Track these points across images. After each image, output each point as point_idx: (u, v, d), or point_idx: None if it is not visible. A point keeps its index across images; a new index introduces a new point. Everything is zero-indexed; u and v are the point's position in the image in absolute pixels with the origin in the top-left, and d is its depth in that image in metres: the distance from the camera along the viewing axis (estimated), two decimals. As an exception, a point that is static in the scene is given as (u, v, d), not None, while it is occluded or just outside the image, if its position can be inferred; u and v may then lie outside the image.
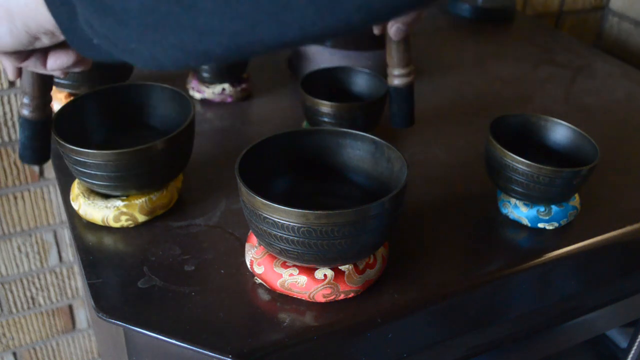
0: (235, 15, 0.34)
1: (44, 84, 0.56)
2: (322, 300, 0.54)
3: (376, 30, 0.69)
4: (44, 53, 0.50)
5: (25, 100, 0.57)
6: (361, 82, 0.78)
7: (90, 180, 0.59)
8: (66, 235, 1.18)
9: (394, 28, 0.64)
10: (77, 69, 0.51)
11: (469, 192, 0.70)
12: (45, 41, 0.46)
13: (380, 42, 0.89)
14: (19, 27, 0.44)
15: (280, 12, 0.34)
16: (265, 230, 0.50)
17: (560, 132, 0.67)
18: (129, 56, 0.40)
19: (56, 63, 0.50)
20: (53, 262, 1.20)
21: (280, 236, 0.49)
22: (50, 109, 0.59)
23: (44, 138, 0.60)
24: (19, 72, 0.54)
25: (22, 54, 0.49)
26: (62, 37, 0.45)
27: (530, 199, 0.63)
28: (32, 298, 1.22)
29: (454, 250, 0.62)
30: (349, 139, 0.59)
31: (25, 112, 0.57)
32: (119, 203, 0.61)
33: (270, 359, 0.50)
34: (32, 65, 0.50)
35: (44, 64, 0.50)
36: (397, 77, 0.68)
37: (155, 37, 0.37)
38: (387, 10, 0.34)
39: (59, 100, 0.78)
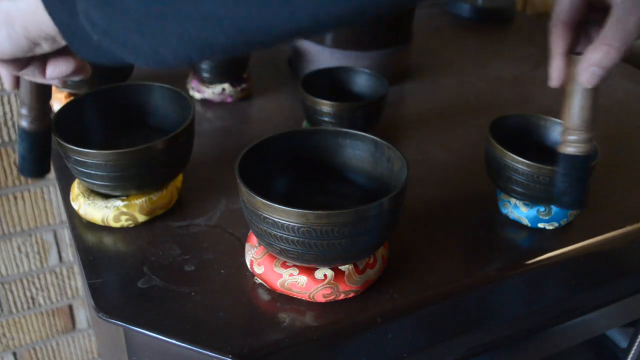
0: (238, 2, 0.33)
1: (43, 93, 0.55)
2: (322, 300, 0.54)
3: (555, 82, 0.54)
4: (42, 61, 0.48)
5: (24, 112, 0.55)
6: (361, 82, 0.78)
7: (90, 180, 0.59)
8: (66, 235, 1.18)
9: (588, 72, 0.50)
10: (76, 78, 0.50)
11: (469, 192, 0.70)
12: (45, 47, 0.45)
13: (380, 42, 0.89)
14: (18, 31, 0.43)
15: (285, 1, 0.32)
16: (265, 230, 0.50)
17: (560, 132, 0.67)
18: (130, 52, 0.39)
19: (55, 71, 0.49)
20: (53, 262, 1.20)
21: (280, 236, 0.49)
22: (50, 120, 0.57)
23: (43, 150, 0.58)
24: (17, 81, 0.53)
25: (20, 62, 0.47)
26: (62, 43, 0.44)
27: (530, 199, 0.63)
28: (32, 298, 1.22)
29: (454, 251, 0.62)
30: (349, 139, 0.59)
31: (24, 123, 0.55)
32: (119, 203, 0.61)
33: (270, 359, 0.50)
34: (30, 74, 0.49)
35: (43, 72, 0.49)
36: (576, 144, 0.53)
37: (156, 26, 0.36)
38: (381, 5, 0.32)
39: (59, 100, 0.78)
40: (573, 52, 0.54)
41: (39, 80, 0.50)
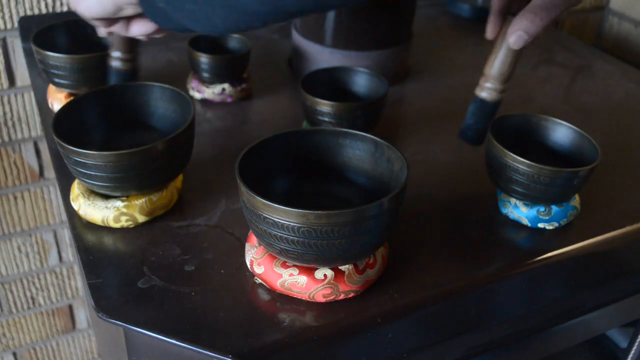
0: None
1: (131, 42, 0.66)
2: (322, 300, 0.54)
3: (490, 34, 0.62)
4: (127, 20, 0.58)
5: (115, 54, 0.67)
6: (361, 82, 0.78)
7: (90, 181, 0.59)
8: (66, 235, 1.18)
9: (515, 35, 0.58)
10: (157, 36, 0.59)
11: (469, 192, 0.70)
12: (129, 11, 0.53)
13: (380, 42, 0.89)
14: None
15: None
16: (265, 230, 0.50)
17: (560, 132, 0.67)
18: (188, 19, 0.45)
19: (139, 29, 0.58)
20: (53, 262, 1.20)
21: (280, 236, 0.49)
22: (137, 62, 0.69)
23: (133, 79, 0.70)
24: (110, 31, 0.61)
25: (108, 20, 0.57)
26: None
27: (530, 199, 0.63)
28: (32, 298, 1.22)
29: (454, 250, 0.62)
30: (349, 139, 0.59)
31: (115, 64, 0.68)
32: (119, 203, 0.61)
33: (270, 359, 0.50)
34: (118, 30, 0.58)
35: (128, 29, 0.58)
36: (489, 90, 0.62)
37: None
38: None
39: (58, 100, 0.78)
40: (512, 10, 0.60)
41: (125, 34, 0.60)
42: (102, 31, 0.62)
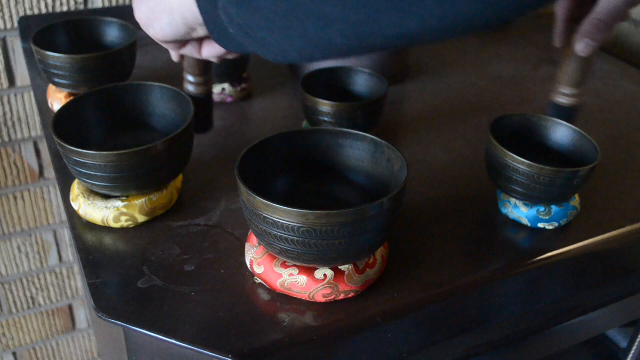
0: (357, 3, 0.36)
1: (205, 65, 0.64)
2: (322, 300, 0.54)
3: (558, 42, 0.65)
4: (199, 42, 0.57)
5: (190, 79, 0.65)
6: (361, 82, 0.78)
7: (90, 181, 0.59)
8: (66, 235, 1.18)
9: (583, 43, 0.60)
10: (229, 57, 0.58)
11: (469, 192, 0.70)
12: (200, 32, 0.52)
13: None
14: (177, 19, 0.50)
15: (402, 2, 0.35)
16: (265, 230, 0.50)
17: (560, 132, 0.67)
18: (260, 47, 0.44)
19: (210, 51, 0.57)
20: (53, 262, 1.20)
21: (280, 236, 0.49)
22: (211, 86, 0.67)
23: (207, 111, 0.68)
24: (182, 56, 0.62)
25: (180, 43, 0.56)
26: None
27: (530, 199, 0.63)
28: (32, 298, 1.22)
29: (454, 250, 0.62)
30: (349, 139, 0.59)
31: (190, 88, 0.65)
32: (118, 203, 0.61)
33: (270, 359, 0.50)
34: (189, 52, 0.58)
35: (199, 51, 0.57)
36: (564, 96, 0.66)
37: (283, 25, 0.40)
38: (524, 4, 0.35)
39: (58, 100, 0.78)
40: (578, 19, 0.61)
41: (197, 57, 0.59)
42: (174, 55, 0.61)
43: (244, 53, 0.51)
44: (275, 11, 0.39)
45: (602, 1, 0.57)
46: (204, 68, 0.64)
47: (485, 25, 0.36)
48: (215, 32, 0.48)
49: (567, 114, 0.67)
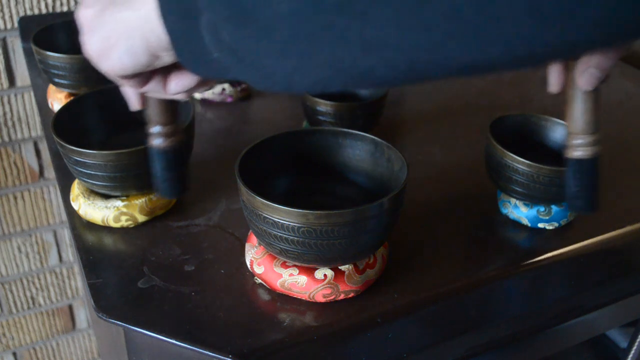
0: (421, 25, 0.28)
1: (172, 109, 0.52)
2: (322, 300, 0.54)
3: (554, 87, 0.54)
4: (165, 75, 0.46)
5: (155, 130, 0.52)
6: (361, 82, 0.78)
7: (90, 181, 0.59)
8: (66, 235, 1.18)
9: (585, 75, 0.49)
10: (200, 90, 0.47)
11: (469, 192, 0.70)
12: (166, 59, 0.42)
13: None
14: (138, 44, 0.40)
15: (486, 23, 0.26)
16: (265, 230, 0.50)
17: (560, 132, 0.67)
18: (254, 74, 0.35)
19: (178, 85, 0.46)
20: (53, 262, 1.20)
21: (280, 236, 0.49)
22: (183, 135, 0.54)
23: (180, 167, 0.55)
24: (144, 100, 0.50)
25: (142, 77, 0.45)
26: None
27: (530, 199, 0.63)
28: (32, 298, 1.22)
29: (454, 250, 0.62)
30: (349, 139, 0.59)
31: (156, 142, 0.53)
32: (118, 203, 0.61)
33: (270, 359, 0.50)
34: (153, 90, 0.46)
35: (165, 87, 0.46)
36: (582, 147, 0.52)
37: (302, 51, 0.32)
38: (630, 30, 0.26)
39: (58, 100, 0.78)
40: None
41: (163, 96, 0.47)
42: (134, 100, 0.50)
43: (216, 78, 0.40)
44: (295, 34, 0.31)
45: None
46: (172, 113, 0.53)
47: (590, 49, 0.28)
48: (187, 55, 0.38)
49: (590, 168, 0.54)
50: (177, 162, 0.54)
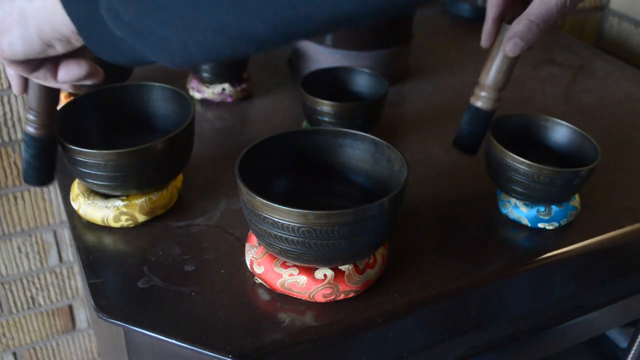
0: None
1: (51, 99, 0.54)
2: (322, 300, 0.54)
3: (485, 42, 0.62)
4: (54, 64, 0.47)
5: (31, 117, 0.54)
6: (361, 82, 0.78)
7: (90, 180, 0.59)
8: (66, 235, 1.18)
9: (511, 42, 0.57)
10: (88, 82, 0.49)
11: (469, 192, 0.70)
12: (58, 49, 0.43)
13: (380, 42, 0.89)
14: (32, 32, 0.42)
15: None
16: (265, 230, 0.50)
17: (560, 132, 0.67)
18: (155, 48, 0.38)
19: (68, 74, 0.47)
20: (53, 262, 1.20)
21: (280, 236, 0.49)
22: (57, 127, 0.56)
23: (49, 157, 0.57)
24: (25, 85, 0.51)
25: (32, 64, 0.46)
26: (76, 45, 0.43)
27: (530, 199, 0.63)
28: (32, 298, 1.22)
29: (454, 250, 0.62)
30: (349, 139, 0.59)
31: (31, 129, 0.54)
32: (118, 203, 0.61)
33: (270, 359, 0.50)
34: (41, 77, 0.48)
35: (55, 75, 0.48)
36: (484, 99, 0.62)
37: (191, 16, 0.34)
38: None
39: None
40: (507, 18, 0.60)
41: (50, 83, 0.48)
42: (17, 85, 0.51)
43: (127, 64, 0.42)
44: (183, 1, 0.34)
45: (535, 2, 0.55)
46: (51, 103, 0.54)
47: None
48: (95, 39, 0.40)
49: (483, 118, 0.63)
50: (46, 152, 0.56)
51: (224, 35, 0.35)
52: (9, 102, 1.02)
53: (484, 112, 0.63)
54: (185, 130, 0.60)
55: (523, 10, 0.57)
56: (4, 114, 1.02)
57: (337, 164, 0.61)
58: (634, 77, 1.00)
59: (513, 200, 0.65)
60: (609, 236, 0.65)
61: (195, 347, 0.50)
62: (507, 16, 0.60)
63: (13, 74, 0.49)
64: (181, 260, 0.58)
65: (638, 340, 0.82)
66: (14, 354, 1.27)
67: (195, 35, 0.35)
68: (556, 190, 0.61)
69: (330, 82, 0.78)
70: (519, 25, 0.56)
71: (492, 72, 0.61)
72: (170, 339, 0.50)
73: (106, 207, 0.61)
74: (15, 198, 1.10)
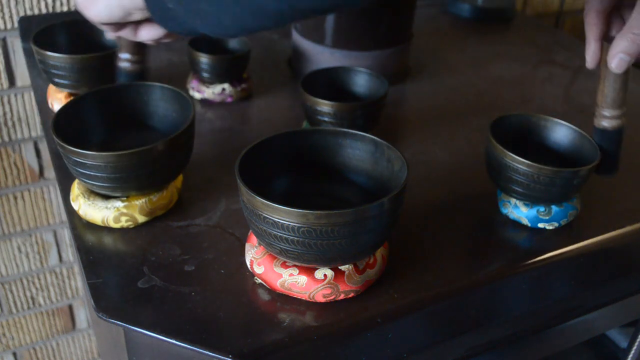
0: None
1: (139, 43, 0.64)
2: (322, 300, 0.54)
3: (590, 64, 0.62)
4: (135, 25, 0.57)
5: (124, 56, 0.66)
6: (361, 82, 0.78)
7: (90, 181, 0.59)
8: (66, 235, 1.18)
9: (616, 59, 0.57)
10: (165, 41, 0.59)
11: (469, 192, 0.70)
12: (137, 16, 0.53)
13: (380, 42, 0.89)
14: (114, 3, 0.52)
15: None
16: (265, 230, 0.50)
17: (560, 132, 0.67)
18: (199, 19, 0.45)
19: (146, 35, 0.58)
20: (53, 262, 1.20)
21: (280, 236, 0.49)
22: (145, 63, 0.68)
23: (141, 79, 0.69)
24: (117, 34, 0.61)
25: (117, 25, 0.57)
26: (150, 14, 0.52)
27: (530, 199, 0.63)
28: (32, 298, 1.22)
29: (454, 250, 0.62)
30: (349, 139, 0.59)
31: (124, 65, 0.67)
32: (118, 204, 0.61)
33: (270, 359, 0.50)
34: (126, 35, 0.58)
35: (135, 34, 0.58)
36: (607, 119, 0.62)
37: None
38: None
39: (58, 100, 0.78)
40: (608, 36, 0.60)
41: (134, 40, 0.59)
42: (109, 35, 0.62)
43: (184, 34, 0.51)
44: None
45: (636, 12, 0.55)
46: (139, 47, 0.66)
47: None
48: (157, 12, 0.50)
49: (613, 137, 0.63)
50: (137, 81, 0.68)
51: (245, 9, 0.42)
52: (8, 102, 1.02)
53: (610, 131, 0.63)
54: (186, 131, 0.60)
55: (623, 21, 0.57)
56: (4, 114, 1.02)
57: (337, 164, 0.61)
58: (633, 77, 1.00)
59: (513, 200, 0.65)
60: (609, 236, 0.65)
61: (195, 347, 0.50)
62: (609, 32, 0.60)
63: (105, 28, 0.59)
64: (181, 260, 0.58)
65: (638, 340, 0.82)
66: (14, 354, 1.27)
67: (225, 11, 0.43)
68: (556, 190, 0.61)
69: (330, 82, 0.78)
70: (623, 40, 0.56)
71: (607, 92, 0.61)
72: (170, 339, 0.50)
73: (106, 207, 0.61)
74: (15, 198, 1.10)
